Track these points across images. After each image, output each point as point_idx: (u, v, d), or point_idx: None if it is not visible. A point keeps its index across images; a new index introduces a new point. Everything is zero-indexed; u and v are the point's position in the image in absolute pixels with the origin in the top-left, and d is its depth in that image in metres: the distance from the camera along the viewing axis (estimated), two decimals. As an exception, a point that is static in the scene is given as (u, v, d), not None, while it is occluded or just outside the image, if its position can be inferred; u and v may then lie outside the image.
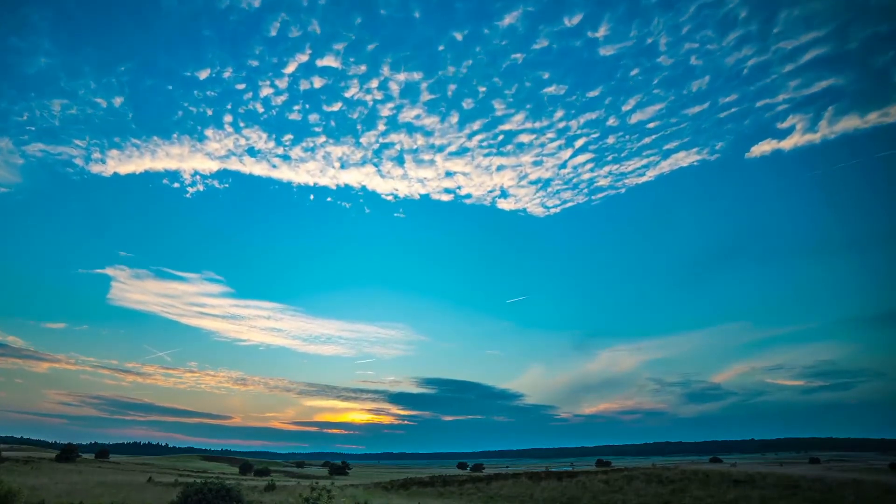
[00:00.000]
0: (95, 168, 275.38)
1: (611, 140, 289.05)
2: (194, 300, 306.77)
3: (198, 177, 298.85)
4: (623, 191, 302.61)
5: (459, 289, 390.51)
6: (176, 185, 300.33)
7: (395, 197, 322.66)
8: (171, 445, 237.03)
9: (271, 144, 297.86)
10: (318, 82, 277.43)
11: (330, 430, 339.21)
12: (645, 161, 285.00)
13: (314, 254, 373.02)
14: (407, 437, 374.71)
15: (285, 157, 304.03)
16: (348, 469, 75.92)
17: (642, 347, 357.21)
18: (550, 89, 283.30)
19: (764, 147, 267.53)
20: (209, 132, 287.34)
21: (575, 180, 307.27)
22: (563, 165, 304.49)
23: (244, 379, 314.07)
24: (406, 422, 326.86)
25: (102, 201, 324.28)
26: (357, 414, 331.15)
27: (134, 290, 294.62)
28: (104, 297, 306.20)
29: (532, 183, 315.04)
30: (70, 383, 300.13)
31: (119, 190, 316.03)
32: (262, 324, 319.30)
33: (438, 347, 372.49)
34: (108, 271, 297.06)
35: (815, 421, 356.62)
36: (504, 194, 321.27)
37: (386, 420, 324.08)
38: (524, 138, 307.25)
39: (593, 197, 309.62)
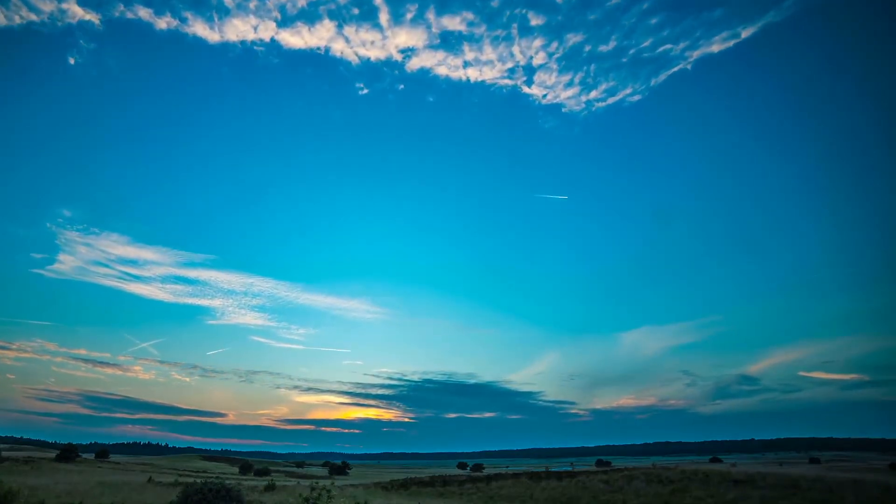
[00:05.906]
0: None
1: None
2: (154, 271, 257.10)
3: (80, 40, 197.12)
4: (689, 66, 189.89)
5: (461, 252, 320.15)
6: (53, 52, 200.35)
7: (367, 79, 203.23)
8: (170, 445, 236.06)
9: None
10: None
11: (327, 429, 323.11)
12: (737, 10, 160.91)
13: (266, 186, 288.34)
14: (407, 437, 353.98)
15: (199, 3, 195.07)
16: (348, 469, 75.96)
17: (674, 330, 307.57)
18: None
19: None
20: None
21: (632, 51, 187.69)
22: (618, 25, 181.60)
23: (233, 373, 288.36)
24: (406, 419, 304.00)
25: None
26: (353, 411, 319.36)
27: (80, 255, 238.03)
28: (48, 266, 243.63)
29: (567, 55, 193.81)
30: (44, 376, 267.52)
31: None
32: (237, 300, 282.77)
33: (435, 329, 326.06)
34: (52, 228, 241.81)
35: (854, 420, 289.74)
36: (530, 78, 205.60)
37: (385, 416, 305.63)
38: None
39: (653, 80, 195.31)
